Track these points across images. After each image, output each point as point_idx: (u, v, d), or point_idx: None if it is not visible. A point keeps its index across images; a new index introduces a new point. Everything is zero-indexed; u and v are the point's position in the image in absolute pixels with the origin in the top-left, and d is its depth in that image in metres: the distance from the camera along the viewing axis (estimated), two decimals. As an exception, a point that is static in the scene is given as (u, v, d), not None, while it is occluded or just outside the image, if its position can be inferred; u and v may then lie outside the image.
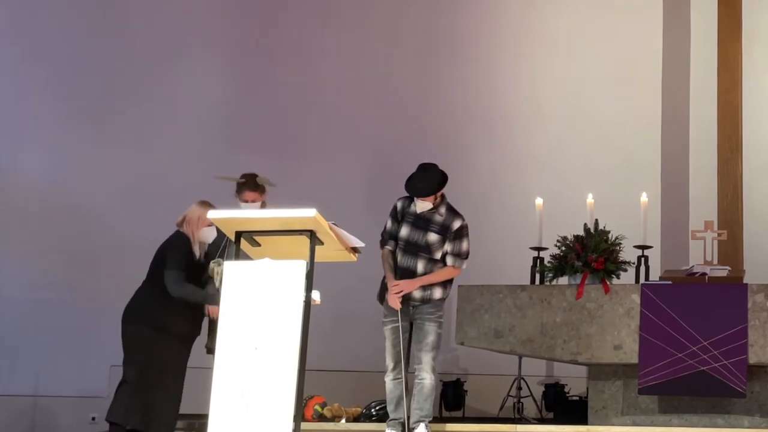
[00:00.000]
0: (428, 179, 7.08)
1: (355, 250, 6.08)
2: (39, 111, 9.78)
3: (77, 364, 9.21)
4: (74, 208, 9.58)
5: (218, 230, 6.50)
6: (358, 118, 10.05)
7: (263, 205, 7.30)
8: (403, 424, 7.10)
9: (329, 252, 5.86)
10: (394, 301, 7.02)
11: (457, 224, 7.15)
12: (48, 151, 9.73)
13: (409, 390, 7.11)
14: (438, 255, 7.12)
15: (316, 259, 5.66)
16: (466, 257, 7.23)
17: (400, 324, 7.02)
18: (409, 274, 7.06)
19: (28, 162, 9.68)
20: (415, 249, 7.09)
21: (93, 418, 9.15)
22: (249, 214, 5.88)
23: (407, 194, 7.18)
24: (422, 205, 7.11)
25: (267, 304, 5.54)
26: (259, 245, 5.80)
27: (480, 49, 10.33)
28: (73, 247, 9.48)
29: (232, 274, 5.64)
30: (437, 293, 7.12)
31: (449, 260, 7.15)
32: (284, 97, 10.04)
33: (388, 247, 7.15)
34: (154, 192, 9.43)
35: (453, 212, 7.19)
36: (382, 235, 7.21)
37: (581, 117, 10.17)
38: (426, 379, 7.05)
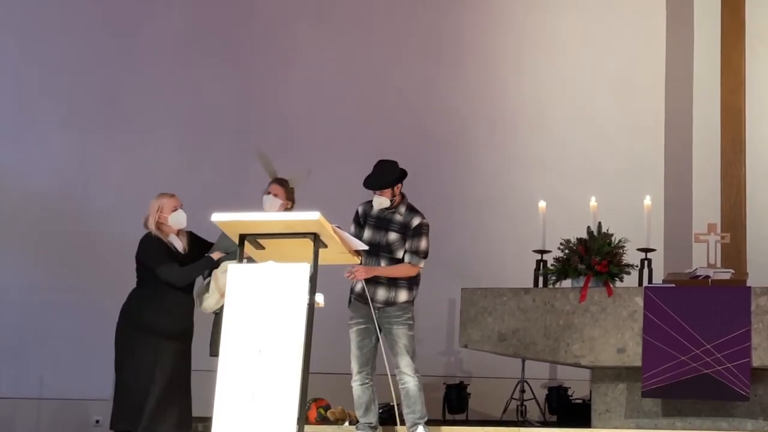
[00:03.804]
0: (383, 173, 7.02)
1: (358, 253, 6.09)
2: (40, 113, 9.78)
3: (81, 366, 9.21)
4: (78, 211, 9.59)
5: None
6: (362, 120, 10.06)
7: (292, 206, 7.24)
8: (374, 428, 7.04)
9: (333, 255, 5.86)
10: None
11: (416, 221, 7.02)
12: (51, 153, 9.73)
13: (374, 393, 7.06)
14: (400, 254, 7.00)
15: (319, 262, 5.67)
16: (425, 256, 7.07)
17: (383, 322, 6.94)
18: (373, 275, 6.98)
19: (31, 165, 9.69)
20: (376, 250, 6.97)
21: (97, 421, 9.17)
22: (253, 217, 5.88)
23: (368, 199, 7.11)
24: (379, 201, 7.01)
25: (271, 307, 5.55)
26: (263, 248, 5.80)
27: (483, 50, 10.34)
28: (77, 250, 9.48)
29: (236, 277, 5.64)
30: (402, 296, 7.01)
31: (406, 257, 7.00)
32: (287, 100, 10.04)
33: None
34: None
35: (413, 211, 7.08)
36: None
37: (584, 119, 10.18)
38: (409, 382, 6.95)
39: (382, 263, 6.99)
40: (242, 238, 5.76)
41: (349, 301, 7.15)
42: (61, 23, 9.92)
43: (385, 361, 6.97)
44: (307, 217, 5.65)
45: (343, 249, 5.88)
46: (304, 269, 5.57)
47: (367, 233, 7.04)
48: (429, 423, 7.06)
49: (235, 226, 5.79)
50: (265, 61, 10.11)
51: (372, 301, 6.92)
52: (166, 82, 9.92)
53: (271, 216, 6.16)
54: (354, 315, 7.05)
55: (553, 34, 10.33)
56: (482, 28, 10.37)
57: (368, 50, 10.20)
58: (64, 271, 9.42)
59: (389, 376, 6.92)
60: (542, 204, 8.56)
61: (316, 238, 5.66)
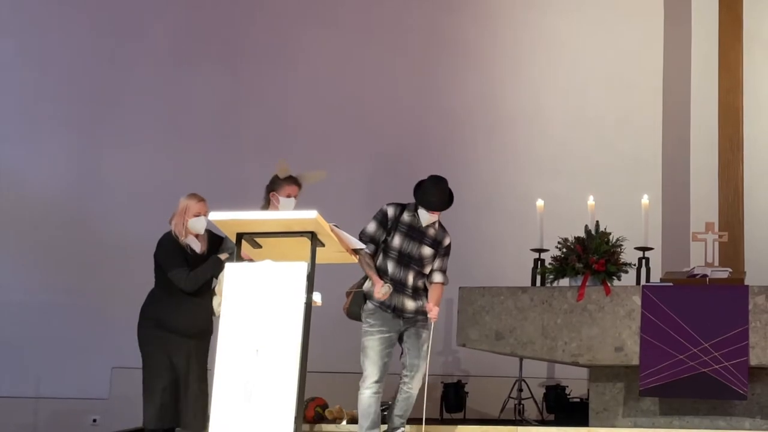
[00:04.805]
0: (445, 193, 6.94)
1: (356, 251, 6.08)
2: (39, 115, 9.79)
3: (79, 366, 9.21)
4: (76, 212, 9.59)
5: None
6: (360, 120, 10.06)
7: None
8: None
9: (330, 254, 5.85)
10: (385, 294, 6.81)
11: (447, 240, 7.05)
12: (49, 155, 9.74)
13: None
14: (428, 269, 6.99)
15: (317, 261, 5.66)
16: None
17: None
18: (401, 285, 6.88)
19: (30, 166, 9.70)
20: (407, 260, 6.92)
21: (94, 420, 9.17)
22: (251, 216, 5.88)
23: (399, 202, 7.00)
24: (430, 218, 6.94)
25: (268, 306, 5.54)
26: (260, 247, 5.80)
27: (481, 51, 10.35)
28: (75, 251, 9.49)
29: (233, 276, 5.64)
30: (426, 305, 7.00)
31: (440, 277, 7.02)
32: (285, 101, 10.04)
33: (367, 250, 6.84)
34: (155, 195, 9.43)
35: (443, 228, 7.08)
36: (361, 236, 6.88)
37: (582, 119, 10.18)
38: (414, 388, 6.90)
39: (410, 275, 6.92)
40: (239, 236, 5.75)
41: (349, 310, 7.00)
42: (60, 25, 9.93)
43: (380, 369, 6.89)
44: (304, 216, 5.64)
45: (341, 248, 5.87)
46: (302, 268, 5.56)
47: (397, 240, 6.93)
48: (427, 422, 7.05)
49: (232, 225, 5.78)
50: (263, 62, 10.11)
51: (403, 312, 6.88)
52: (165, 83, 9.93)
53: (268, 215, 6.15)
54: (375, 323, 6.88)
55: (551, 35, 10.34)
56: (480, 28, 10.37)
57: (366, 52, 10.20)
58: (62, 271, 9.43)
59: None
60: (540, 203, 8.57)
61: (313, 236, 5.65)
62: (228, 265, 5.74)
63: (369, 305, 6.92)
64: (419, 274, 6.97)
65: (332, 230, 5.75)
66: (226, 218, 5.79)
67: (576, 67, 10.26)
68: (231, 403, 5.45)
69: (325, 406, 8.06)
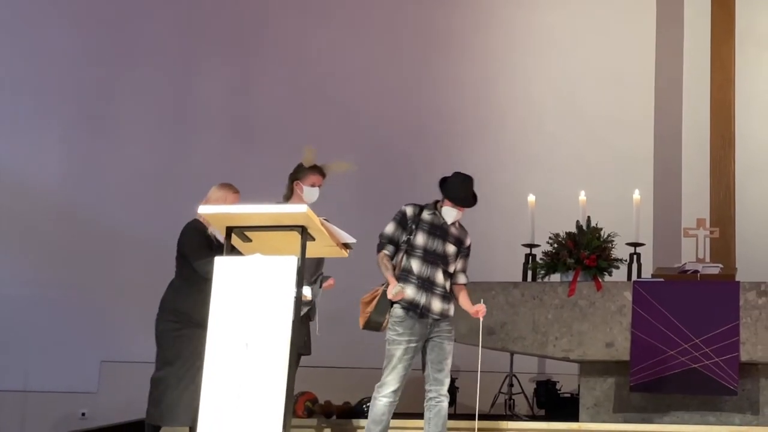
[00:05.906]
0: (471, 190, 6.89)
1: (346, 246, 6.06)
2: (36, 110, 9.78)
3: (67, 359, 9.20)
4: (66, 206, 9.58)
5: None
6: (352, 115, 10.06)
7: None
8: None
9: (320, 248, 5.84)
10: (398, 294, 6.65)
11: (468, 241, 6.94)
12: (41, 149, 9.73)
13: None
14: (452, 268, 6.85)
15: (307, 255, 5.64)
16: None
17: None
18: (430, 284, 6.71)
19: (21, 160, 9.68)
20: (434, 258, 6.76)
21: (83, 414, 9.15)
22: (240, 209, 5.85)
23: (416, 203, 6.88)
24: (457, 215, 6.86)
25: (258, 300, 5.51)
26: (250, 240, 5.78)
27: (474, 46, 10.35)
28: (65, 245, 9.47)
29: (222, 270, 5.62)
30: (452, 309, 6.84)
31: (462, 278, 6.90)
32: (279, 97, 10.04)
33: (386, 252, 6.75)
34: (147, 190, 9.44)
35: (464, 228, 6.98)
36: (381, 237, 6.79)
37: (574, 114, 10.19)
38: (444, 401, 6.72)
39: (438, 273, 6.75)
40: (229, 230, 5.73)
41: (371, 318, 6.73)
42: (62, 22, 9.92)
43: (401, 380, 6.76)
44: (294, 210, 5.63)
45: (331, 242, 5.85)
46: (292, 262, 5.54)
47: (421, 238, 6.77)
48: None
49: (222, 218, 5.76)
50: (258, 56, 10.11)
51: (430, 313, 6.70)
52: (162, 78, 9.92)
53: (258, 209, 6.12)
54: (405, 331, 6.66)
55: (544, 31, 10.34)
56: (473, 25, 10.37)
57: (360, 49, 10.21)
58: (52, 265, 9.41)
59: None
60: (531, 198, 8.56)
61: (303, 230, 5.63)
62: (217, 259, 5.72)
63: (398, 311, 6.71)
64: (446, 273, 6.81)
65: (322, 224, 5.74)
66: (216, 212, 5.77)
67: (568, 64, 10.26)
68: (220, 397, 5.43)
69: (314, 401, 8.05)
